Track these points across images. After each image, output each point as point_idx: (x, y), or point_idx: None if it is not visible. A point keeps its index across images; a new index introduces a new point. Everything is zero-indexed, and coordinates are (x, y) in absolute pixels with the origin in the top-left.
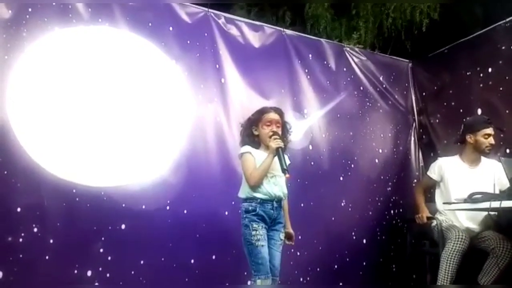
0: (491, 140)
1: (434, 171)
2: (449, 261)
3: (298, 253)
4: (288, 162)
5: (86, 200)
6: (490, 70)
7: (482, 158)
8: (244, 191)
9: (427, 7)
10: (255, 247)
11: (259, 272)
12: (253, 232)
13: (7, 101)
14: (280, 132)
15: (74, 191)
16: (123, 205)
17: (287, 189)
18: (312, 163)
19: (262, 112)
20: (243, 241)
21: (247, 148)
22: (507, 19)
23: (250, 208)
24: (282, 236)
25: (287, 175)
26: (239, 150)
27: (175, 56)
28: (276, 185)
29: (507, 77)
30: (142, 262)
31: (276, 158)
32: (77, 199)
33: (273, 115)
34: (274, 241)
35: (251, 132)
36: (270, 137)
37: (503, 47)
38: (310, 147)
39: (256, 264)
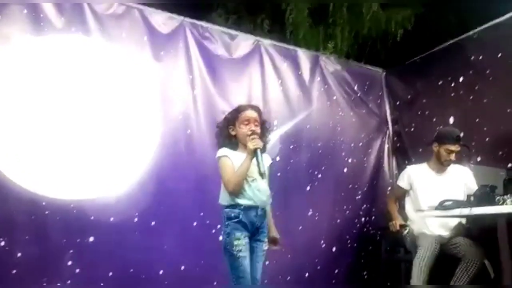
0: (452, 156)
1: (403, 180)
2: (421, 267)
3: (267, 262)
4: (268, 162)
5: (56, 212)
6: (461, 79)
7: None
8: (225, 198)
9: (402, 17)
10: (236, 259)
11: (239, 284)
12: (235, 242)
13: None
14: (258, 131)
15: (43, 203)
16: (92, 217)
17: None
18: (279, 174)
19: (238, 110)
20: (223, 250)
21: (224, 151)
22: (476, 30)
23: (233, 215)
24: (265, 247)
25: (265, 179)
26: (216, 150)
27: (148, 67)
28: (259, 190)
29: (476, 87)
30: (110, 274)
31: (254, 160)
32: (46, 212)
33: (250, 113)
34: (257, 253)
35: (228, 132)
36: (249, 136)
37: (472, 57)
38: (278, 158)
39: (236, 277)
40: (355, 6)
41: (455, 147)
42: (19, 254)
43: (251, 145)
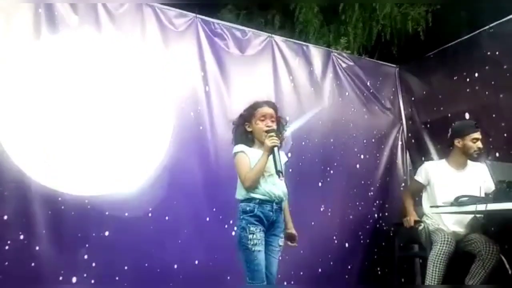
0: (479, 144)
1: (421, 175)
2: (436, 263)
3: (280, 257)
4: (284, 159)
5: (71, 208)
6: (476, 75)
7: (469, 161)
8: (240, 193)
9: (418, 14)
10: (251, 252)
11: (254, 279)
12: (250, 236)
13: None
14: (275, 128)
15: (59, 199)
16: (107, 212)
17: None
18: (291, 170)
19: (254, 107)
20: (238, 245)
21: (241, 147)
22: (491, 25)
23: (248, 208)
24: (281, 242)
25: (281, 178)
26: (229, 146)
27: (161, 64)
28: (275, 185)
29: (493, 82)
30: (126, 268)
31: (271, 156)
32: (62, 207)
33: (267, 109)
34: (272, 247)
35: (244, 129)
36: (266, 132)
37: (489, 53)
38: (289, 154)
39: (251, 271)
40: (368, 4)
41: (478, 134)
42: (37, 248)
43: (269, 142)
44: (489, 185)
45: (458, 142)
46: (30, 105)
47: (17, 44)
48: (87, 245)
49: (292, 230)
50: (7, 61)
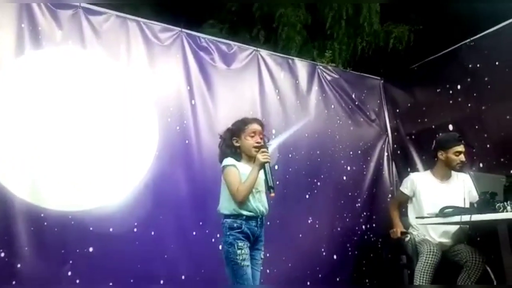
0: (462, 157)
1: (406, 187)
2: (422, 274)
3: (268, 271)
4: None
5: (54, 223)
6: (459, 87)
7: (453, 172)
8: (227, 207)
9: (401, 33)
10: (241, 267)
11: None
12: (238, 251)
13: None
14: (263, 144)
15: (42, 215)
16: (91, 228)
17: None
18: (278, 182)
19: (244, 122)
20: (225, 260)
21: (231, 160)
22: (472, 38)
23: (235, 225)
24: (262, 255)
25: (272, 194)
26: (215, 159)
27: (146, 78)
28: (261, 201)
29: (475, 94)
30: (111, 284)
31: (261, 172)
32: (45, 223)
33: (257, 126)
34: (256, 261)
35: (232, 143)
36: (256, 148)
37: (470, 65)
38: (276, 167)
39: (240, 286)
40: (353, 20)
41: (461, 148)
42: (18, 265)
43: (261, 158)
44: (474, 195)
45: (441, 155)
46: (13, 120)
47: (1, 59)
48: (70, 262)
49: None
50: None
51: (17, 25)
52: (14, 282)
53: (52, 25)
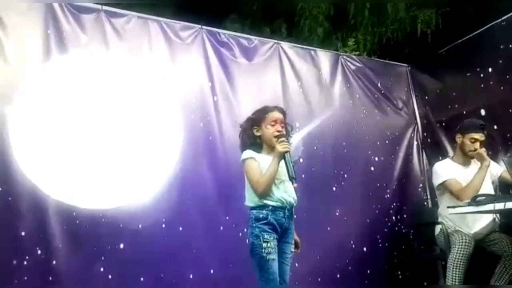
0: (477, 145)
1: (437, 178)
2: (456, 265)
3: (297, 264)
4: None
5: (86, 222)
6: (490, 70)
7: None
8: (252, 199)
9: (427, 16)
10: (266, 261)
11: None
12: (264, 244)
13: (9, 129)
14: (284, 133)
15: (74, 214)
16: (121, 225)
17: None
18: (303, 175)
19: (265, 111)
20: (251, 252)
21: (249, 153)
22: (503, 18)
23: (261, 216)
24: (292, 248)
25: (295, 185)
26: (239, 154)
27: (169, 76)
28: (286, 191)
29: (507, 76)
30: (142, 279)
31: (282, 162)
32: (77, 221)
33: (277, 114)
34: (285, 255)
35: (252, 133)
36: (276, 137)
37: (502, 46)
38: (301, 160)
39: (265, 280)
40: (377, 9)
41: (479, 136)
42: (54, 262)
43: (280, 148)
44: (493, 173)
45: (458, 138)
46: (44, 123)
47: (30, 66)
48: (103, 258)
49: (296, 237)
50: (22, 83)
51: (44, 31)
52: (50, 278)
53: (76, 30)
